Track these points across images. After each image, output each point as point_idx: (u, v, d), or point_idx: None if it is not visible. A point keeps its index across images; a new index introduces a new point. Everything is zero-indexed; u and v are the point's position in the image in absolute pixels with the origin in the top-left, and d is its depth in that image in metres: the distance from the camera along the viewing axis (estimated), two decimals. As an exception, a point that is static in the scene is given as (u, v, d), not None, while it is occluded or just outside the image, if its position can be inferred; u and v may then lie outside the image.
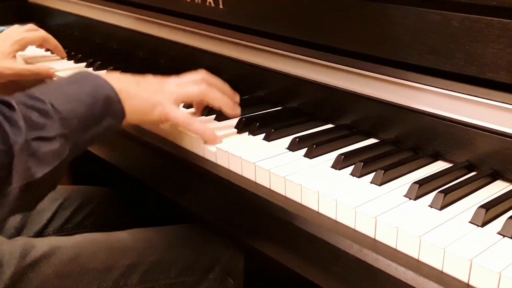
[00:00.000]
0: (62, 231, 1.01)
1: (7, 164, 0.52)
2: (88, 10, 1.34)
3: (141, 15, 1.17)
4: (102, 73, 0.70)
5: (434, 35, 0.66)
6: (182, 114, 0.73)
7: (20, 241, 0.78)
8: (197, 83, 0.76)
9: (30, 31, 1.12)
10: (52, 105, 0.58)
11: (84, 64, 1.13)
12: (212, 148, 0.73)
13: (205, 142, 0.74)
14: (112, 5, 1.25)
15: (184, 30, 1.06)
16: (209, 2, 0.95)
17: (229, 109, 0.78)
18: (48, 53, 1.22)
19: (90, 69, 1.10)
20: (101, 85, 0.65)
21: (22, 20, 1.54)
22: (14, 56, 1.07)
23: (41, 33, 1.13)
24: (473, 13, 0.62)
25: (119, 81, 0.67)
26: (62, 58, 1.18)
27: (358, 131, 0.78)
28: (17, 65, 1.05)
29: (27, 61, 1.17)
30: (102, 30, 1.31)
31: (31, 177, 0.54)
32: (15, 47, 1.07)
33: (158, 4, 1.10)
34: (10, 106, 0.55)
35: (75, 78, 0.65)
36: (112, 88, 0.65)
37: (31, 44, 1.13)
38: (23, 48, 1.09)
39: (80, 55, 1.16)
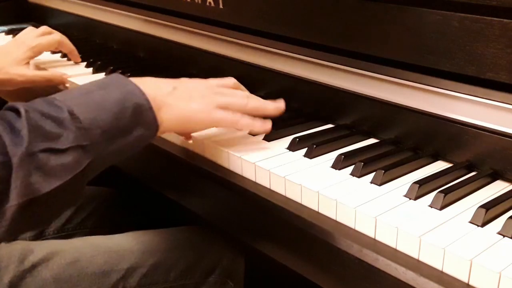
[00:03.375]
0: (62, 231, 1.01)
1: (5, 178, 0.49)
2: (88, 10, 1.34)
3: (141, 15, 1.17)
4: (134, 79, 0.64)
5: (434, 35, 0.66)
6: (227, 116, 0.69)
7: (19, 245, 0.77)
8: (235, 93, 0.72)
9: (44, 35, 1.08)
10: (72, 113, 0.54)
11: (84, 64, 1.13)
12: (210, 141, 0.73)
13: (256, 133, 0.76)
14: (112, 5, 1.25)
15: (184, 30, 1.06)
16: (209, 2, 0.95)
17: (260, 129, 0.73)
18: (59, 57, 1.19)
19: (90, 69, 1.10)
20: (131, 91, 0.59)
21: (22, 20, 1.55)
22: (28, 63, 1.04)
23: (56, 37, 1.09)
24: (473, 13, 0.62)
25: (154, 88, 0.63)
26: (76, 62, 1.14)
27: (358, 131, 0.78)
28: (28, 71, 1.02)
29: (39, 66, 1.13)
30: (102, 30, 1.31)
31: (34, 193, 0.50)
32: (28, 54, 1.03)
33: (158, 4, 1.10)
34: (17, 112, 0.52)
35: (104, 83, 0.61)
36: (144, 95, 0.60)
37: (46, 50, 1.10)
38: (37, 54, 1.06)
39: (80, 56, 1.16)
